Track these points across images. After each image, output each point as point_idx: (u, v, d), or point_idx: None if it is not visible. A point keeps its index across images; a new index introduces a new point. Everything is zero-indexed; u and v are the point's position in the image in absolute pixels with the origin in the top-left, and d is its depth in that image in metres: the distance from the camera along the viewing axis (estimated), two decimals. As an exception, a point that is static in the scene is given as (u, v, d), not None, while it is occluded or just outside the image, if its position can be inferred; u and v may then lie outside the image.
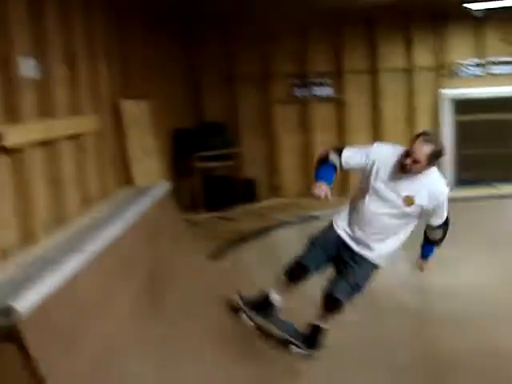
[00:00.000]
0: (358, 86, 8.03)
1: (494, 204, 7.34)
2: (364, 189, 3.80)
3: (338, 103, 8.08)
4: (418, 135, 3.67)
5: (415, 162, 3.55)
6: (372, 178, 3.72)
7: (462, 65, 7.87)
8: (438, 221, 3.84)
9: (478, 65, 7.87)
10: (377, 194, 3.74)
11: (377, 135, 7.84)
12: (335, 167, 3.82)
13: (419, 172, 3.60)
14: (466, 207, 6.63)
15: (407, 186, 3.67)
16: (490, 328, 4.74)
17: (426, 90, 7.96)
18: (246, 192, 7.77)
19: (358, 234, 3.86)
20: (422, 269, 4.23)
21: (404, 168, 3.60)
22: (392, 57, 7.87)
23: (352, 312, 5.16)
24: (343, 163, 3.83)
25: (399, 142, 7.42)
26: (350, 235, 3.90)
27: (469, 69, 7.88)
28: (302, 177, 7.97)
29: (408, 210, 3.74)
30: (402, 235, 3.90)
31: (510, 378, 4.00)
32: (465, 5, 7.05)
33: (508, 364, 4.15)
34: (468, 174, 8.11)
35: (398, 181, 3.68)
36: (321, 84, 8.09)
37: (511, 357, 4.25)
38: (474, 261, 6.10)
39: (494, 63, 7.85)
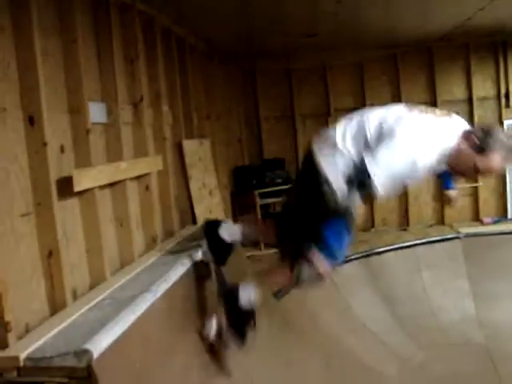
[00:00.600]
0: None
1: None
2: None
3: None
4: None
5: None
6: None
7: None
8: None
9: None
10: None
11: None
12: None
13: None
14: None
15: None
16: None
17: (487, 120, 7.76)
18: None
19: None
20: (455, 201, 3.91)
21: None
22: (452, 88, 7.77)
23: (420, 349, 5.08)
24: None
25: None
26: None
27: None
28: (365, 211, 7.90)
29: None
30: None
31: None
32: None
33: None
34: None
35: None
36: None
37: None
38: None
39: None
